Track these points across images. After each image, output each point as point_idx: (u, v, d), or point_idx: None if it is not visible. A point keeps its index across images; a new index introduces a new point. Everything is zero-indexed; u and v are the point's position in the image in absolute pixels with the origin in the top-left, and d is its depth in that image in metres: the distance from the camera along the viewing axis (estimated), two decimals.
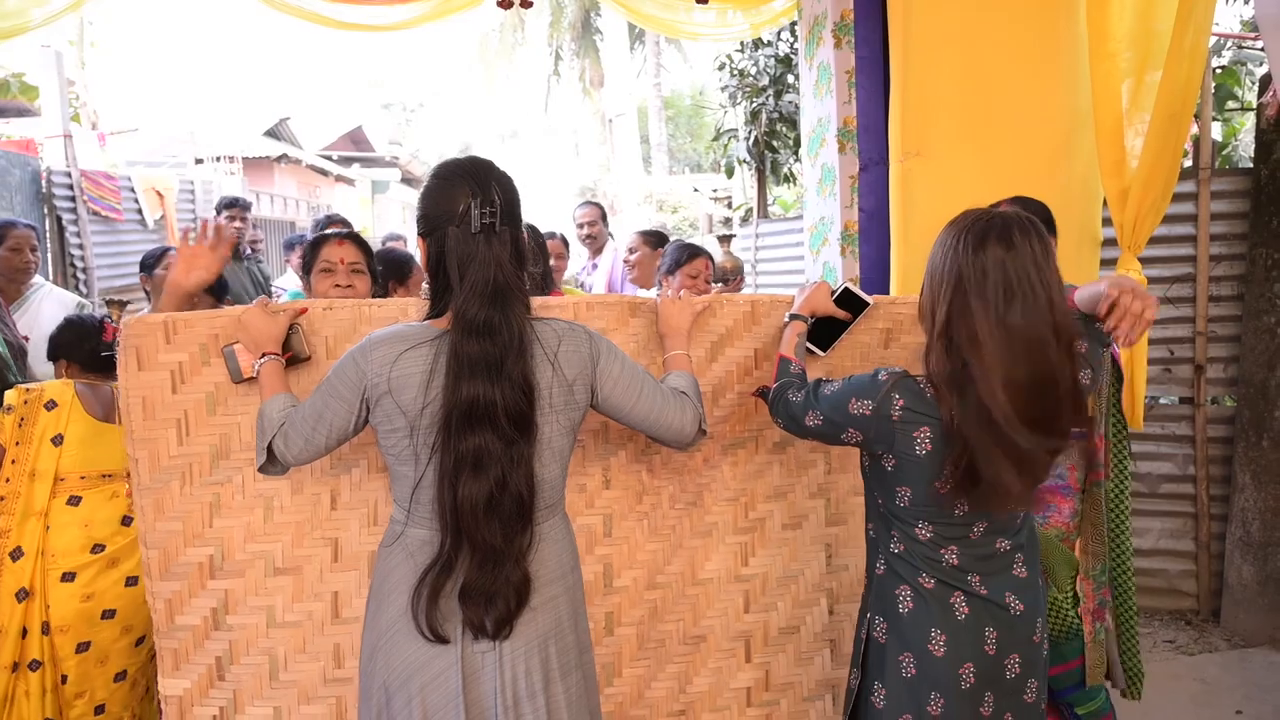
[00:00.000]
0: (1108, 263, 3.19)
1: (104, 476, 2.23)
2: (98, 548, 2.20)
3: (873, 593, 1.62)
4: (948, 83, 2.79)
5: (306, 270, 2.31)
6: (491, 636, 1.38)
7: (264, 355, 1.63)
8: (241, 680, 1.84)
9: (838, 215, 3.34)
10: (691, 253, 3.09)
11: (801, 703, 2.04)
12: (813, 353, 1.91)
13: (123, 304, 2.94)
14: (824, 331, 1.93)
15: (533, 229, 2.85)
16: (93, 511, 2.21)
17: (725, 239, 3.64)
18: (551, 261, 3.36)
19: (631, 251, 3.53)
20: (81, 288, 6.75)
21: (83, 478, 2.21)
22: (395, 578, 1.43)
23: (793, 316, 1.85)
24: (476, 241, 1.37)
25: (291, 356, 1.71)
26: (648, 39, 20.07)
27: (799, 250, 4.30)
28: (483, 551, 1.35)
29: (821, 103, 3.47)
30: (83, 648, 2.17)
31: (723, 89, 5.97)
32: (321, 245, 2.30)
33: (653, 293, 3.04)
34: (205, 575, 1.82)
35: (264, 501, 1.83)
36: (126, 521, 2.23)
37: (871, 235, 3.26)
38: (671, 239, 3.51)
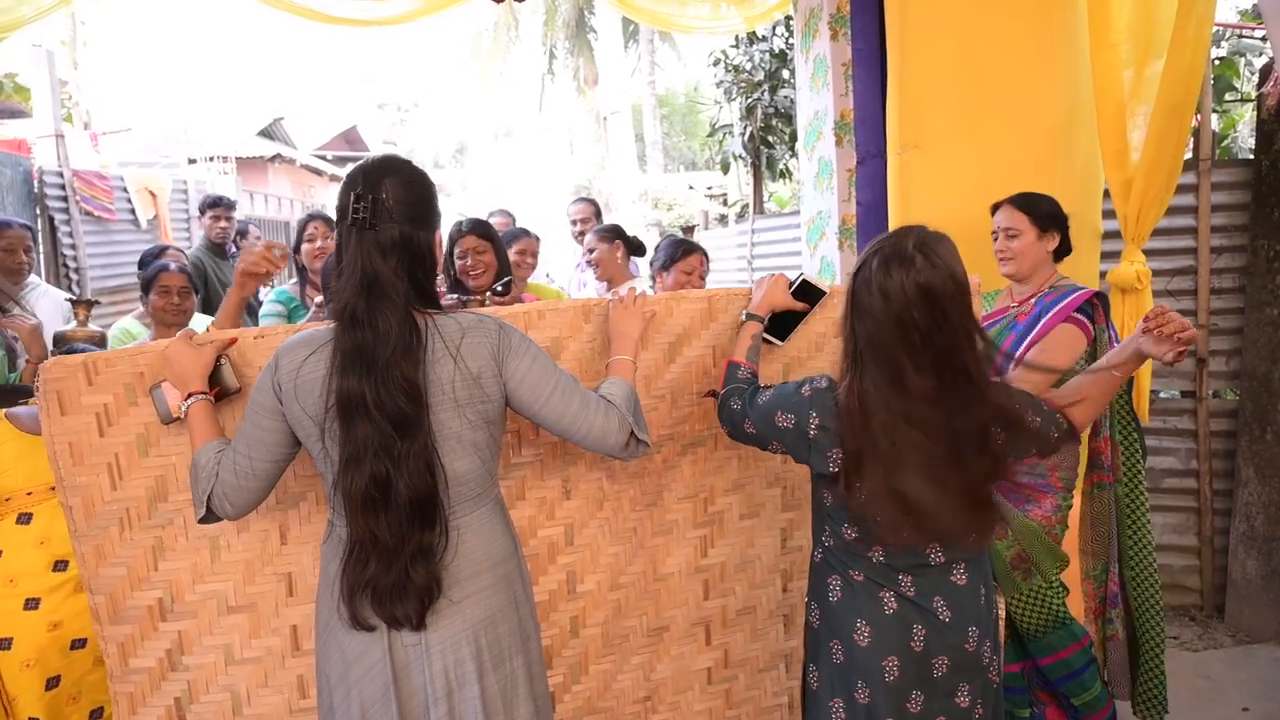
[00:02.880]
0: (1109, 255, 3.15)
1: (52, 489, 2.06)
2: (60, 564, 2.06)
3: (812, 578, 1.67)
4: (946, 74, 2.76)
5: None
6: (414, 628, 1.39)
7: (190, 396, 1.55)
8: (204, 718, 1.81)
9: (835, 209, 3.32)
10: (686, 249, 3.05)
11: (757, 674, 2.12)
12: (770, 343, 1.92)
13: (90, 304, 2.87)
14: (783, 321, 1.93)
15: (477, 224, 2.80)
16: (48, 526, 2.07)
17: (688, 229, 3.53)
18: (513, 257, 3.31)
19: (590, 251, 3.47)
20: (74, 288, 6.70)
21: (29, 493, 2.07)
22: (329, 573, 1.46)
23: (749, 316, 1.84)
24: (352, 235, 1.37)
25: (220, 391, 1.63)
26: (642, 37, 20.03)
27: (796, 245, 4.28)
28: (380, 547, 1.35)
29: (818, 96, 3.45)
30: (53, 683, 2.02)
31: (718, 84, 5.93)
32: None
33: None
34: (156, 618, 1.77)
35: (209, 542, 1.78)
36: None
37: (870, 229, 3.22)
38: (664, 235, 3.46)
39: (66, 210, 6.60)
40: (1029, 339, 2.26)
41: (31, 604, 2.01)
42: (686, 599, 2.04)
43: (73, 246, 6.62)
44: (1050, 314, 2.25)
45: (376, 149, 22.26)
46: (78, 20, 10.22)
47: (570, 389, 1.51)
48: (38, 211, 6.47)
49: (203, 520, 1.48)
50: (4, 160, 6.25)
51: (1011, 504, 2.25)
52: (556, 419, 1.50)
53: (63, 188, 6.64)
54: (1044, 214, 2.31)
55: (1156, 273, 3.38)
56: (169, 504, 1.74)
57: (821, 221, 3.46)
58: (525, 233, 3.66)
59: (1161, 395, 3.63)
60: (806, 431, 1.52)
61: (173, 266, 2.88)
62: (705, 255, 3.11)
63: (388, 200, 1.38)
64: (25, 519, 2.06)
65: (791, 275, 1.95)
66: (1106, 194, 2.82)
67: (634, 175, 19.01)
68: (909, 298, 1.38)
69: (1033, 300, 2.32)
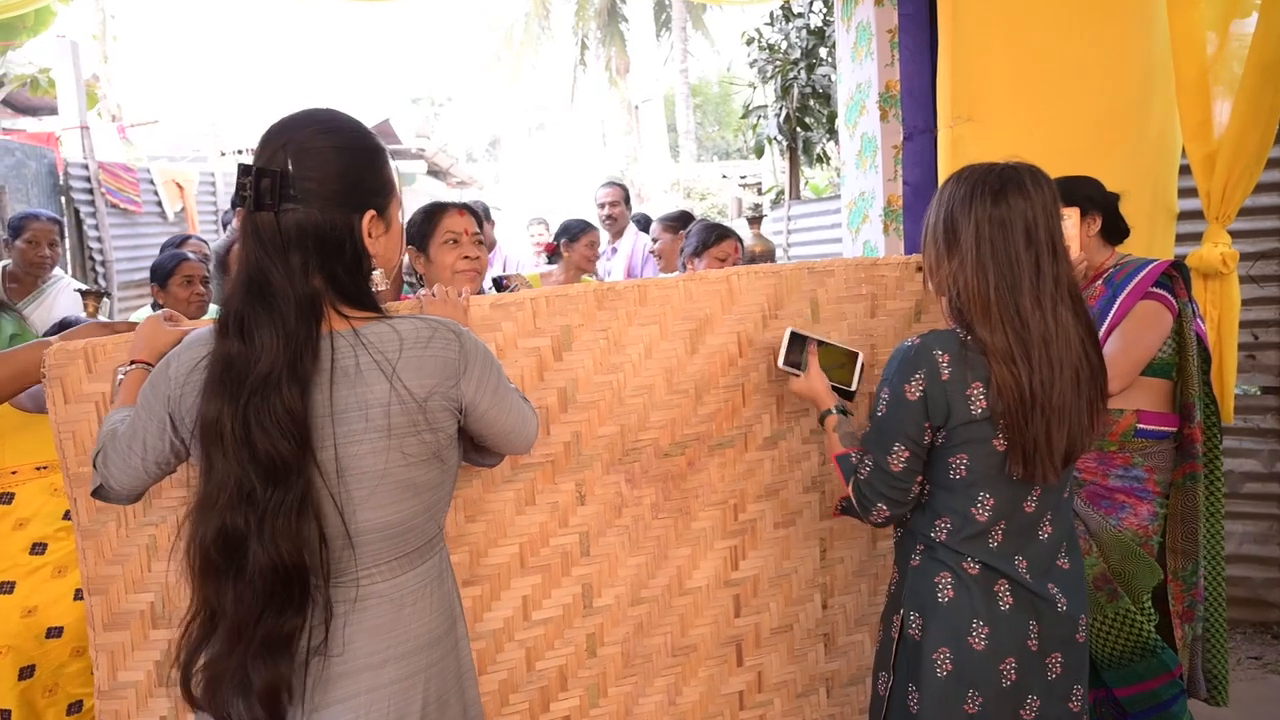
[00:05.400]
0: (1187, 238, 2.89)
1: (39, 468, 1.97)
2: (38, 547, 1.95)
3: (906, 587, 1.54)
4: (1003, 39, 2.61)
5: (420, 243, 2.11)
6: None
7: (135, 363, 1.37)
8: None
9: (880, 189, 3.16)
10: (719, 234, 2.90)
11: (795, 699, 1.98)
12: (848, 410, 1.72)
13: (99, 295, 2.83)
14: (835, 378, 1.76)
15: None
16: (28, 507, 1.96)
17: (755, 220, 3.40)
18: (582, 249, 3.26)
19: (654, 241, 3.30)
20: (100, 281, 6.68)
21: (14, 472, 1.97)
22: None
23: (823, 415, 1.69)
24: (247, 221, 1.10)
25: None
26: (674, 25, 19.90)
27: (834, 232, 4.06)
28: (225, 625, 1.05)
29: (860, 67, 3.27)
30: (25, 673, 1.89)
31: (751, 64, 5.70)
32: (441, 216, 2.11)
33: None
34: (147, 624, 1.67)
35: None
36: (70, 517, 1.98)
37: (917, 210, 3.09)
38: (697, 219, 3.28)
39: (92, 202, 6.57)
40: (1107, 323, 2.07)
41: (6, 587, 1.90)
42: (715, 616, 1.89)
43: (98, 239, 6.60)
44: (1125, 292, 2.07)
45: (410, 143, 22.31)
46: (107, 14, 10.30)
47: (519, 406, 1.30)
48: (63, 203, 6.46)
49: (94, 494, 1.26)
50: (29, 152, 6.25)
51: (1100, 513, 2.10)
52: (501, 439, 1.28)
53: (88, 180, 6.61)
54: (1081, 196, 2.14)
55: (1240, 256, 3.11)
56: (163, 500, 1.65)
57: (864, 203, 3.27)
58: (591, 226, 3.56)
59: (1242, 391, 3.34)
60: (939, 374, 1.42)
61: (191, 256, 2.95)
62: (740, 241, 2.94)
63: (293, 173, 1.09)
64: (7, 499, 1.96)
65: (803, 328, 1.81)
66: (1183, 169, 2.65)
67: (666, 165, 18.89)
68: (1030, 220, 1.41)
69: (1099, 282, 2.15)
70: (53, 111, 9.28)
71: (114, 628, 1.65)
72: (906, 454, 1.46)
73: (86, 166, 6.66)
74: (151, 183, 7.23)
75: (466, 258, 2.06)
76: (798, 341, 1.75)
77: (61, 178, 6.51)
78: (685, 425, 1.81)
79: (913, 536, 1.56)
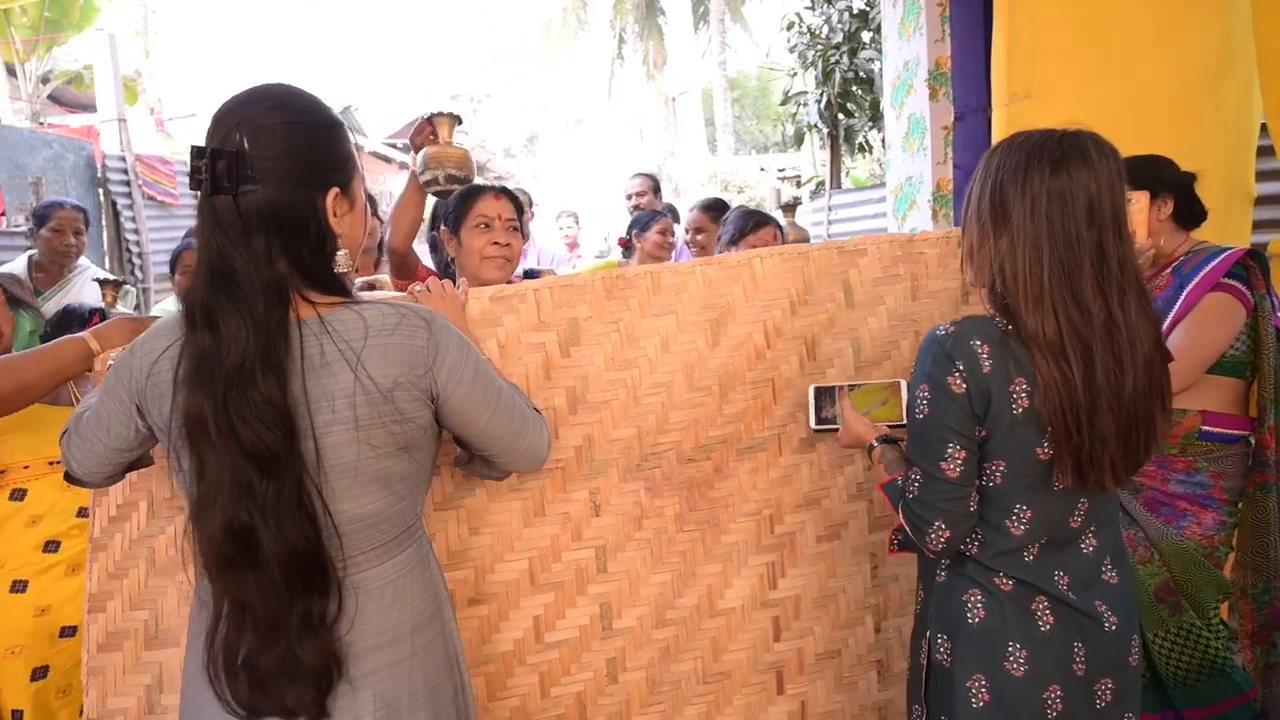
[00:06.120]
0: (1266, 224, 2.66)
1: (52, 463, 1.95)
2: (51, 545, 1.93)
3: (932, 606, 1.39)
4: (1065, 9, 2.48)
5: (453, 225, 2.05)
6: (312, 719, 1.09)
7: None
8: None
9: (928, 172, 3.04)
10: (757, 221, 2.74)
11: None
12: (898, 439, 1.54)
13: (118, 284, 2.78)
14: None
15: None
16: (41, 504, 1.94)
17: (789, 207, 3.24)
18: (653, 237, 3.22)
19: (699, 231, 3.16)
20: (136, 272, 6.76)
21: (26, 467, 1.94)
22: (196, 626, 1.17)
23: (870, 447, 1.51)
24: (205, 206, 1.05)
25: None
26: (712, 17, 19.76)
27: (878, 222, 3.89)
28: (255, 617, 1.05)
29: (908, 43, 3.12)
30: (39, 674, 1.89)
31: (791, 49, 5.52)
32: (476, 198, 2.04)
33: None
34: (140, 646, 1.59)
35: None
36: (84, 514, 1.97)
37: None
38: (734, 207, 3.13)
39: (129, 195, 6.64)
40: (1172, 315, 1.95)
41: (18, 586, 1.88)
42: (752, 640, 1.73)
43: (135, 231, 6.67)
44: (1194, 282, 1.95)
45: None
46: (149, 9, 10.46)
47: (512, 406, 1.23)
48: (100, 196, 6.53)
49: (66, 476, 1.27)
50: (66, 145, 6.33)
51: (1160, 520, 1.96)
52: (496, 437, 1.21)
53: (125, 172, 6.67)
54: (1152, 178, 2.00)
55: None
56: (163, 511, 1.60)
57: (911, 188, 3.12)
58: (661, 214, 3.47)
59: None
60: (980, 367, 1.25)
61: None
62: (780, 228, 2.77)
63: (249, 152, 1.04)
64: (19, 495, 1.93)
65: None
66: (1264, 151, 2.52)
67: (704, 158, 18.79)
68: (1094, 194, 1.24)
69: (1168, 271, 2.03)
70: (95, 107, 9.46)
71: (108, 648, 1.59)
72: (963, 454, 1.27)
73: (124, 159, 6.74)
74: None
75: (496, 243, 1.98)
76: (825, 395, 1.61)
77: (99, 170, 6.59)
78: (710, 426, 1.67)
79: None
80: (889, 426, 1.52)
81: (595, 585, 1.66)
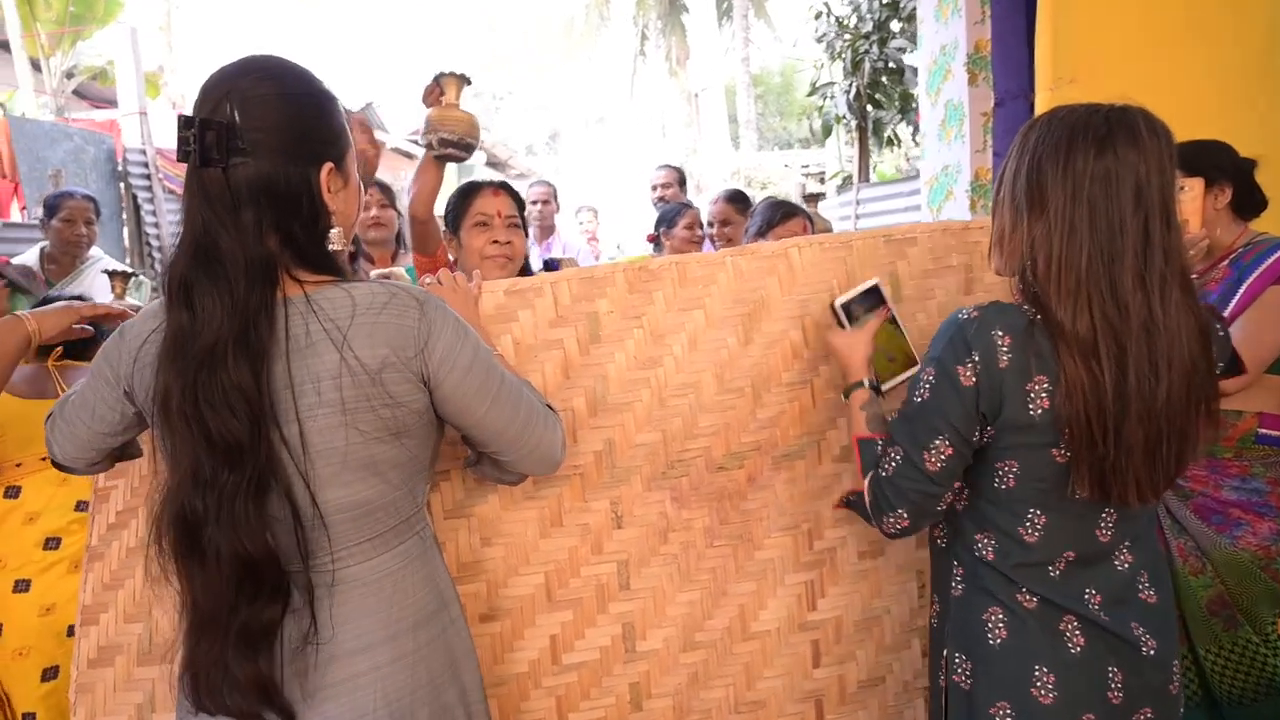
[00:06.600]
0: None
1: (44, 459, 1.91)
2: (51, 542, 1.91)
3: (949, 622, 1.31)
4: None
5: (453, 225, 2.03)
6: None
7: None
8: None
9: (966, 161, 2.93)
10: (785, 212, 2.67)
11: None
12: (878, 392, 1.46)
13: (126, 276, 2.72)
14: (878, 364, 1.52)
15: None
16: (37, 500, 1.91)
17: (812, 198, 3.14)
18: (681, 232, 3.14)
19: (725, 223, 3.06)
20: (156, 265, 6.78)
21: (18, 464, 1.91)
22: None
23: (850, 389, 1.44)
24: (193, 179, 1.03)
25: None
26: (736, 13, 19.71)
27: (908, 215, 3.79)
28: (199, 613, 1.01)
29: (946, 26, 3.02)
30: (49, 675, 1.86)
31: (819, 39, 5.41)
32: (474, 196, 2.01)
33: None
34: (133, 661, 1.53)
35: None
36: (82, 507, 1.94)
37: None
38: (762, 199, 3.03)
39: (149, 188, 6.66)
40: (1229, 310, 1.89)
41: (21, 586, 1.88)
42: (789, 665, 1.64)
43: (155, 224, 6.69)
44: (1254, 275, 1.89)
45: None
46: (172, 4, 10.53)
47: (517, 398, 1.17)
48: (121, 189, 6.56)
49: (53, 461, 1.26)
50: (87, 138, 6.36)
51: (1212, 529, 1.88)
52: (498, 431, 1.15)
53: (146, 165, 6.69)
54: (1208, 164, 1.94)
55: None
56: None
57: (948, 178, 3.00)
58: (687, 205, 3.38)
59: None
60: (996, 361, 1.16)
61: None
62: (810, 219, 2.69)
63: (239, 124, 1.02)
64: (14, 492, 1.92)
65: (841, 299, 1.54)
66: None
67: (727, 155, 18.76)
68: (1142, 177, 1.14)
69: (1225, 263, 1.96)
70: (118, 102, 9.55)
71: (99, 664, 1.53)
72: (949, 451, 1.20)
73: (144, 152, 6.76)
74: None
75: (496, 242, 1.92)
76: (871, 297, 1.50)
77: (120, 163, 6.61)
78: (742, 432, 1.58)
79: (948, 553, 1.34)
80: (871, 384, 1.42)
81: (617, 603, 1.57)
